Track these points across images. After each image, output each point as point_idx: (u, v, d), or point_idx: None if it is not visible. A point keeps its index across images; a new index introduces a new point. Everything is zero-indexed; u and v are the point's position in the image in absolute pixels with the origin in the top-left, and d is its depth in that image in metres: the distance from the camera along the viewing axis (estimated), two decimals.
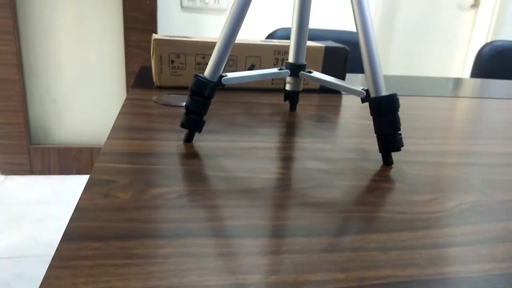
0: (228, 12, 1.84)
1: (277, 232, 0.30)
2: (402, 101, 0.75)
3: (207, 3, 1.81)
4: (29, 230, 1.55)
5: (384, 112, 0.41)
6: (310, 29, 1.29)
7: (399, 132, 0.42)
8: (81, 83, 1.92)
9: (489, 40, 2.26)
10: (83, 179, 1.98)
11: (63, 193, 1.84)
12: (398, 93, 0.80)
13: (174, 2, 1.81)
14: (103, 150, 0.42)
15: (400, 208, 0.36)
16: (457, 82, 1.01)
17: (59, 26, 1.82)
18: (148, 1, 1.73)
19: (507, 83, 1.04)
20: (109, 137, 0.45)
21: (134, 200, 0.33)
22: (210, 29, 1.87)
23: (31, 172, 1.99)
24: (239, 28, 0.45)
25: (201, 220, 0.31)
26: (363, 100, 0.43)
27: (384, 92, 0.42)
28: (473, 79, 1.08)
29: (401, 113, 0.67)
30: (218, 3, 1.82)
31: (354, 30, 1.37)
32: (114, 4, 1.81)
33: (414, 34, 2.28)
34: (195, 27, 1.86)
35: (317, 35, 1.28)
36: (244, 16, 0.45)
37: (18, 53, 1.81)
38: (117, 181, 0.36)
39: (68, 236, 0.28)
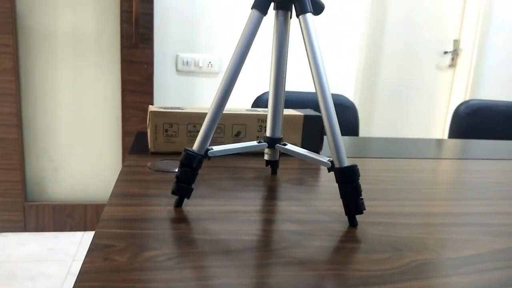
0: (220, 75, 1.97)
1: None
2: (378, 163, 0.82)
3: (200, 67, 1.93)
4: None
5: (347, 180, 0.48)
6: (295, 92, 1.39)
7: (361, 197, 0.49)
8: (78, 142, 1.99)
9: (467, 98, 2.40)
10: (76, 237, 2.00)
11: (56, 251, 1.85)
12: (375, 156, 0.87)
13: (169, 66, 1.93)
14: (102, 216, 0.48)
15: (359, 266, 0.41)
16: (432, 143, 1.09)
17: (58, 88, 1.92)
18: (146, 66, 1.85)
19: (479, 143, 1.12)
20: (108, 204, 0.51)
21: (129, 263, 0.38)
22: (204, 90, 1.98)
23: (25, 229, 2.01)
24: (225, 105, 0.52)
25: (186, 280, 0.36)
26: (329, 170, 0.50)
27: (346, 163, 0.49)
28: (449, 140, 1.16)
29: (374, 175, 0.73)
30: (211, 66, 1.94)
31: (336, 92, 1.47)
32: (112, 68, 1.93)
33: (395, 95, 2.41)
34: (190, 89, 1.97)
35: (299, 98, 1.38)
36: (229, 96, 0.53)
37: (18, 113, 1.89)
38: (115, 246, 0.41)
39: None
